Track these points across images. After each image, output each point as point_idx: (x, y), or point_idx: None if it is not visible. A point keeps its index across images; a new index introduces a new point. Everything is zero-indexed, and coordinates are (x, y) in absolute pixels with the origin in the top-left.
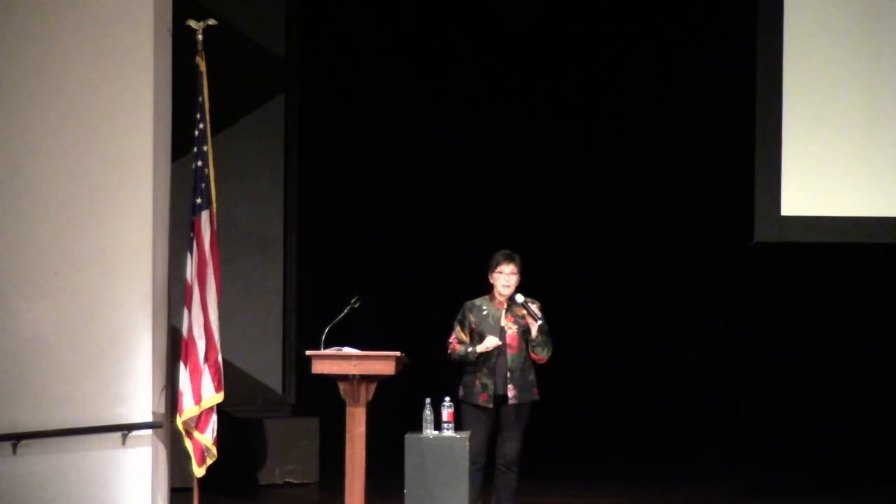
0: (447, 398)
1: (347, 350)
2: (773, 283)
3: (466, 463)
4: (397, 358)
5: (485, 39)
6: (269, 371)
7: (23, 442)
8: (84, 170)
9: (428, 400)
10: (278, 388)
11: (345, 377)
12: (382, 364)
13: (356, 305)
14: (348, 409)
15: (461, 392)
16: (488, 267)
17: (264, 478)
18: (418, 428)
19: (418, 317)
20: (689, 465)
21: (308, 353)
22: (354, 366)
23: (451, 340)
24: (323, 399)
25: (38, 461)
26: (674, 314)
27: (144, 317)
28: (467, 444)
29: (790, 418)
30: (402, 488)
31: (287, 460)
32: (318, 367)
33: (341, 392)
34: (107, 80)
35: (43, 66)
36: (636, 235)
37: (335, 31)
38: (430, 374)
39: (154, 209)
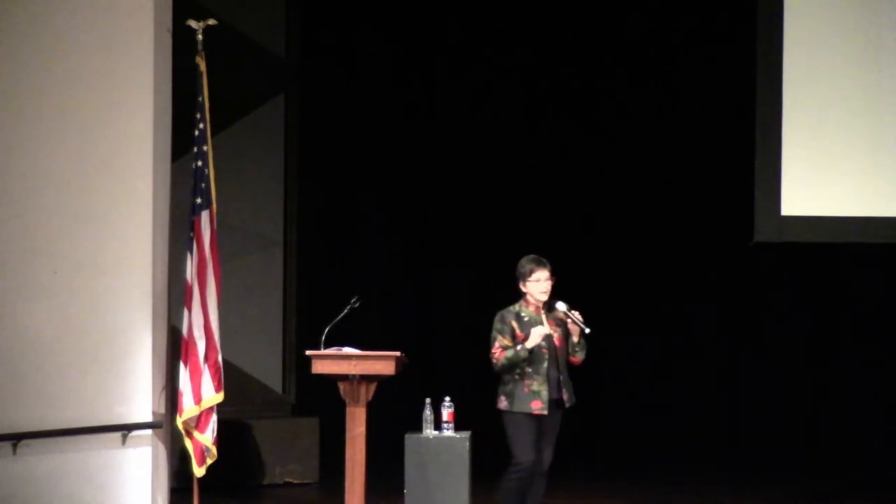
0: (447, 398)
1: (347, 350)
2: (773, 283)
3: (467, 463)
4: (397, 358)
5: (485, 39)
6: (269, 371)
7: (23, 442)
8: (84, 170)
9: (428, 400)
10: (278, 388)
11: (345, 377)
12: (382, 364)
13: (356, 305)
14: (348, 409)
15: (504, 402)
16: (518, 275)
17: (264, 478)
18: (418, 428)
19: (418, 317)
20: (689, 465)
21: (308, 353)
22: (354, 366)
23: (494, 351)
24: (323, 399)
25: (38, 461)
26: (674, 314)
27: (144, 317)
28: (468, 444)
29: (790, 418)
30: (402, 488)
31: (287, 460)
32: (318, 367)
33: (341, 392)
34: (107, 80)
35: (42, 66)
36: (636, 235)
37: (335, 31)
38: (430, 374)
39: (154, 209)
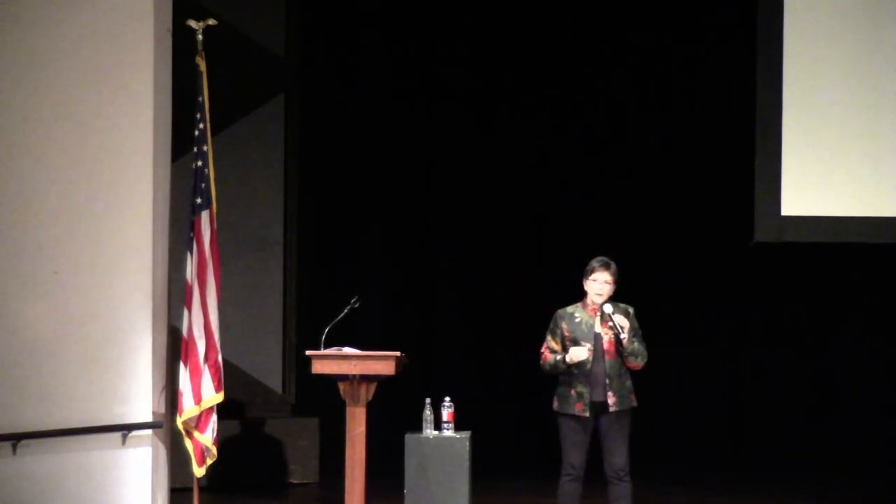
0: (447, 398)
1: (347, 350)
2: (773, 283)
3: (467, 463)
4: (397, 358)
5: (485, 38)
6: (269, 371)
7: (23, 442)
8: (84, 170)
9: (428, 400)
10: (278, 388)
11: (345, 377)
12: (382, 364)
13: (356, 305)
14: (348, 409)
15: (555, 403)
16: (583, 273)
17: (264, 478)
18: (418, 428)
19: (418, 317)
20: (689, 465)
21: (308, 353)
22: (354, 366)
23: (542, 350)
24: (323, 399)
25: (38, 461)
26: (674, 314)
27: (144, 317)
28: (468, 444)
29: (791, 418)
30: (402, 488)
31: (287, 460)
32: (318, 367)
33: (341, 392)
34: (107, 80)
35: (43, 67)
36: (636, 235)
37: (335, 31)
38: (430, 374)
39: (154, 209)
